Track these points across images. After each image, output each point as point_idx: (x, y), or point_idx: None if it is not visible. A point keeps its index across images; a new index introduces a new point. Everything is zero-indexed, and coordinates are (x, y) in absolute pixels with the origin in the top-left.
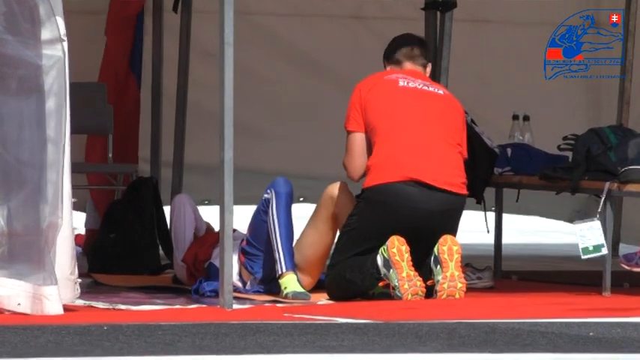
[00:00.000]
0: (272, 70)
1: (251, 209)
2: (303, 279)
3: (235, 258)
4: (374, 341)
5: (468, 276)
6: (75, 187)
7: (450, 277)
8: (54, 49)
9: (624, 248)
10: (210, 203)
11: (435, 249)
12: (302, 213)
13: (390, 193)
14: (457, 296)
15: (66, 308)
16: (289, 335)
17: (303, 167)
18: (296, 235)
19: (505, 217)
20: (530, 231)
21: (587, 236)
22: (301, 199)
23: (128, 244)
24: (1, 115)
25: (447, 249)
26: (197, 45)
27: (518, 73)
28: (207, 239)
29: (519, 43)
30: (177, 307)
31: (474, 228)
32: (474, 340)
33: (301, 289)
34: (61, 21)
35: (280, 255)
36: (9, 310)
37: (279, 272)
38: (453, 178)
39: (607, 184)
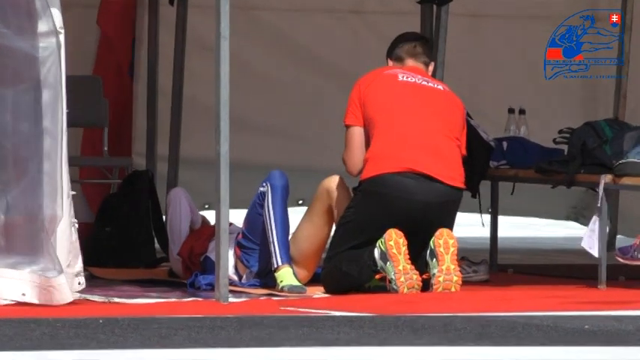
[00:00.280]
0: (271, 65)
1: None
2: (299, 272)
3: (231, 251)
4: (370, 334)
5: (463, 269)
6: (71, 180)
7: (446, 270)
8: (50, 41)
9: (621, 241)
10: (210, 208)
11: (431, 242)
12: (301, 216)
13: (387, 184)
14: (453, 289)
15: None
16: (285, 328)
17: (302, 162)
18: (292, 229)
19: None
20: (525, 224)
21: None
22: (300, 202)
23: (124, 238)
24: None
25: (443, 242)
26: (193, 39)
27: (515, 67)
28: (203, 233)
29: (515, 37)
30: (173, 300)
31: (470, 222)
32: (469, 333)
33: (297, 283)
34: (57, 13)
35: (276, 248)
36: (13, 300)
37: (275, 265)
38: (450, 170)
39: (603, 177)
